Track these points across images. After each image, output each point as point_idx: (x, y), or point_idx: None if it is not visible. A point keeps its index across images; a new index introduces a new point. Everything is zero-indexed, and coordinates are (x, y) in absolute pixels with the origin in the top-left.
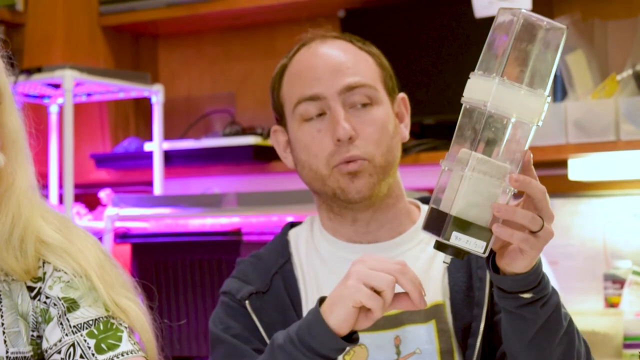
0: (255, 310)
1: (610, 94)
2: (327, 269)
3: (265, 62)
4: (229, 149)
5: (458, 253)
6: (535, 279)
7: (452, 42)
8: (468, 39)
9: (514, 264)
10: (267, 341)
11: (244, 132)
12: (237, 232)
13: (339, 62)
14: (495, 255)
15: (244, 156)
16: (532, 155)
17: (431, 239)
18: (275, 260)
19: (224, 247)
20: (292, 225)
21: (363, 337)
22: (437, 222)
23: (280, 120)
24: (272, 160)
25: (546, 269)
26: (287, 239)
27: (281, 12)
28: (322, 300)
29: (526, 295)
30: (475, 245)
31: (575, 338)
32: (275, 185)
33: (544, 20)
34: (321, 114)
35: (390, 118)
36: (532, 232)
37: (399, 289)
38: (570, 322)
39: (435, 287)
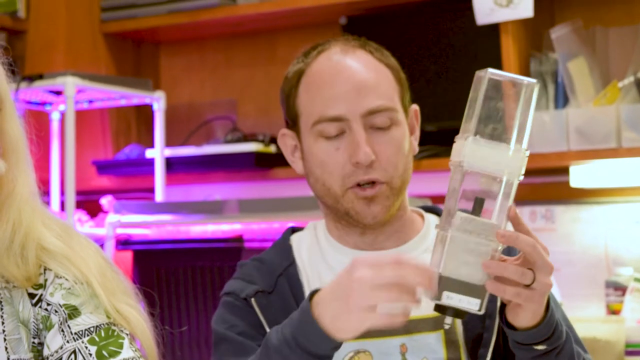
0: (261, 307)
1: (612, 101)
2: (334, 275)
3: (266, 69)
4: (230, 156)
5: (458, 314)
6: (548, 331)
7: (453, 49)
8: (470, 45)
9: (518, 319)
10: None
11: (246, 138)
12: (239, 239)
13: (361, 80)
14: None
15: (245, 163)
16: (516, 210)
17: None
18: (280, 263)
19: (226, 254)
20: (294, 230)
21: (368, 343)
22: None
23: (292, 126)
24: (273, 167)
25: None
26: (290, 243)
27: (282, 19)
28: (312, 293)
29: (540, 347)
30: (468, 304)
31: None
32: (276, 192)
33: (512, 77)
34: (339, 134)
35: (406, 137)
36: (526, 286)
37: None
38: None
39: None
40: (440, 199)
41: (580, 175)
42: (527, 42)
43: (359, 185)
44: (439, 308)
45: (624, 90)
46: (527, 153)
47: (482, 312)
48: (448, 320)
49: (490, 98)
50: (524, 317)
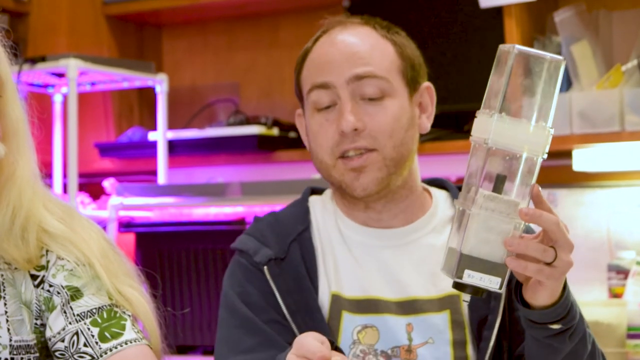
0: (274, 277)
1: (615, 84)
2: (345, 246)
3: (269, 52)
4: (233, 139)
5: (476, 291)
6: (564, 310)
7: (457, 32)
8: (473, 28)
9: (536, 297)
10: (283, 308)
11: (248, 121)
12: (241, 222)
13: (352, 51)
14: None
15: (248, 146)
16: (540, 188)
17: (444, 226)
18: (294, 226)
19: (228, 237)
20: (313, 190)
21: (375, 319)
22: (450, 261)
23: (302, 105)
24: (276, 149)
25: None
26: (308, 205)
27: (285, 1)
28: None
29: (555, 327)
30: (489, 282)
31: (597, 359)
32: (279, 174)
33: (538, 53)
34: (330, 106)
35: (404, 111)
36: (547, 263)
37: None
38: (594, 343)
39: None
40: None
41: (583, 159)
42: (530, 25)
43: (346, 156)
44: (457, 285)
45: (627, 74)
46: (552, 131)
47: (502, 291)
48: (466, 297)
49: (515, 74)
50: (543, 295)
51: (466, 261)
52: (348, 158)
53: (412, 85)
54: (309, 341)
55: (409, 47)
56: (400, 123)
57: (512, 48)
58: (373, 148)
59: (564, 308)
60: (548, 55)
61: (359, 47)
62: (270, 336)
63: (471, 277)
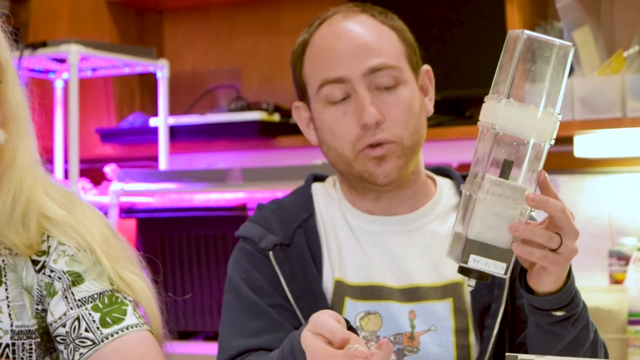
0: (279, 262)
1: (617, 70)
2: (350, 233)
3: (270, 38)
4: (234, 125)
5: (481, 276)
6: (568, 297)
7: (458, 17)
8: (475, 14)
9: (541, 283)
10: (288, 293)
11: (249, 107)
12: (242, 208)
13: (362, 42)
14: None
15: (249, 131)
16: (547, 175)
17: (448, 213)
18: (299, 213)
19: (229, 222)
20: (316, 177)
21: (378, 306)
22: (456, 246)
23: (303, 97)
24: (277, 135)
25: None
26: (311, 193)
27: None
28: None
29: (559, 313)
30: (495, 267)
31: (598, 347)
32: (280, 160)
33: (547, 39)
34: (345, 98)
35: (416, 96)
36: (552, 250)
37: None
38: (596, 332)
39: (454, 265)
40: None
41: (585, 145)
42: (532, 11)
43: (369, 146)
44: (463, 270)
45: (629, 60)
46: (560, 117)
47: (507, 276)
48: (471, 282)
49: (524, 60)
50: (548, 281)
51: (472, 246)
52: (370, 148)
53: (416, 69)
54: (326, 319)
55: (407, 32)
56: (414, 110)
57: (521, 33)
58: (391, 141)
59: (568, 295)
60: (557, 41)
61: (367, 38)
62: (275, 320)
63: (477, 262)
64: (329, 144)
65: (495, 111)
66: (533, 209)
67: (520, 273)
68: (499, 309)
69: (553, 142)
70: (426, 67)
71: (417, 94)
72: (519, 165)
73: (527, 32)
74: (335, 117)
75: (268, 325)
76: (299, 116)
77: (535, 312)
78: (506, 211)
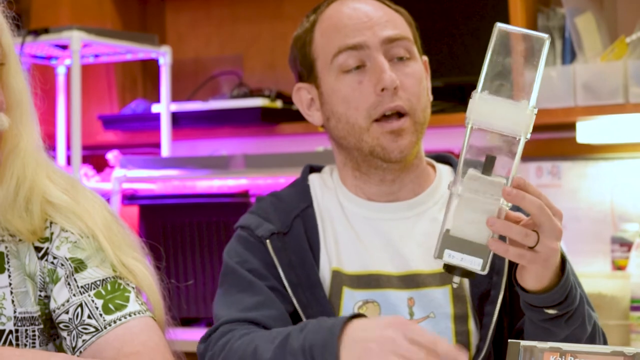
0: (276, 250)
1: (619, 56)
2: (347, 222)
3: (272, 24)
4: (236, 111)
5: (466, 273)
6: (560, 296)
7: (460, 4)
8: (477, 1)
9: (524, 280)
10: (284, 281)
11: (252, 94)
12: (245, 194)
13: (377, 15)
14: None
15: (251, 118)
16: (525, 180)
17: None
18: (297, 204)
19: (232, 209)
20: (312, 168)
21: (376, 294)
22: (437, 242)
23: (307, 76)
24: (279, 122)
25: None
26: (308, 184)
27: None
28: (347, 320)
29: (551, 311)
30: (471, 263)
31: (597, 340)
32: (282, 147)
33: (521, 31)
34: (360, 67)
35: (424, 74)
36: (530, 248)
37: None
38: (595, 325)
39: None
40: None
41: (587, 131)
42: None
43: (384, 116)
44: (447, 268)
45: (631, 46)
46: (535, 111)
47: (485, 272)
48: (456, 279)
49: (499, 53)
50: (529, 279)
51: (447, 241)
52: (386, 120)
53: (420, 53)
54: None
55: (411, 18)
56: (423, 85)
57: (494, 26)
58: (407, 111)
59: (561, 294)
60: (532, 33)
61: (381, 12)
62: (271, 297)
63: (451, 257)
64: (340, 114)
65: (470, 105)
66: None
67: (515, 267)
68: (498, 295)
69: (529, 136)
70: (424, 58)
71: (424, 72)
72: (499, 159)
73: (500, 24)
74: (350, 85)
75: (265, 301)
76: (300, 98)
77: (528, 308)
78: (484, 206)
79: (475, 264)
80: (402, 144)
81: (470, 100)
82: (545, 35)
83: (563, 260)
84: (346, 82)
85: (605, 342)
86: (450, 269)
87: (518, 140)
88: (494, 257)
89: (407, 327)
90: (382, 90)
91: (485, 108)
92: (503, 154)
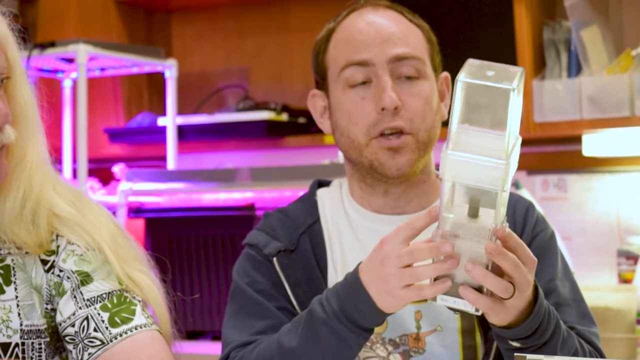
0: (283, 267)
1: (625, 69)
2: (354, 235)
3: (278, 37)
4: (242, 124)
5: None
6: (527, 332)
7: (466, 17)
8: (483, 14)
9: (488, 317)
10: (293, 299)
11: (257, 107)
12: (251, 207)
13: (390, 31)
14: None
15: (257, 131)
16: (507, 230)
17: None
18: (304, 219)
19: (237, 222)
20: (320, 183)
21: None
22: None
23: (322, 84)
24: (285, 135)
25: (559, 244)
26: (316, 199)
27: None
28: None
29: (514, 344)
30: (464, 305)
31: None
32: (288, 160)
33: (486, 84)
34: (366, 82)
35: (435, 94)
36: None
37: None
38: (578, 349)
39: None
40: None
41: (593, 144)
42: (540, 10)
43: (383, 134)
44: (449, 307)
45: (637, 59)
46: (508, 164)
47: (479, 314)
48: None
49: (465, 104)
50: (492, 319)
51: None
52: (385, 137)
53: (437, 70)
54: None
55: (431, 33)
56: (431, 105)
57: (458, 78)
58: (409, 132)
59: (528, 330)
60: (497, 85)
61: (395, 28)
62: (281, 319)
63: (445, 301)
64: (343, 128)
65: (442, 160)
66: (505, 223)
67: None
68: None
69: (507, 188)
70: (445, 74)
71: (436, 93)
72: (484, 204)
73: (464, 78)
74: (354, 101)
75: (274, 324)
76: (314, 105)
77: (495, 335)
78: (472, 250)
79: (468, 307)
80: (399, 162)
81: (442, 156)
82: (510, 87)
83: (537, 292)
84: (350, 97)
85: None
86: (451, 308)
87: (496, 194)
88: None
89: (395, 253)
90: (382, 109)
91: (459, 166)
92: (486, 198)
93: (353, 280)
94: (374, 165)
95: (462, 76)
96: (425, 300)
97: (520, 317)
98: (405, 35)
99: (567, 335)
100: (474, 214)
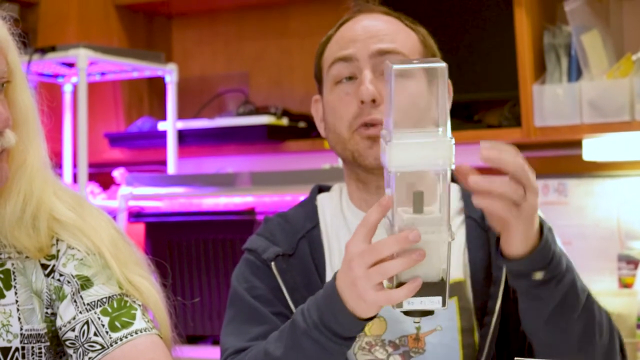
0: (280, 272)
1: (626, 73)
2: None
3: (279, 42)
4: (242, 129)
5: (424, 313)
6: (544, 258)
7: (466, 22)
8: (483, 18)
9: (511, 244)
10: (290, 303)
11: (258, 111)
12: (251, 212)
13: (377, 29)
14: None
15: (257, 136)
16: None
17: (452, 217)
18: (303, 224)
19: (238, 227)
20: (320, 189)
21: (382, 310)
22: None
23: (319, 88)
24: (285, 139)
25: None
26: (316, 204)
27: None
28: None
29: (538, 276)
30: (431, 303)
31: (595, 312)
32: (288, 164)
33: (415, 66)
34: (351, 78)
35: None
36: (515, 204)
37: None
38: (589, 296)
39: (456, 264)
40: None
41: (593, 149)
42: (540, 14)
43: (364, 125)
44: (406, 313)
45: (637, 63)
46: (452, 141)
47: (446, 308)
48: (417, 319)
49: (402, 91)
50: (517, 241)
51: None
52: (364, 127)
53: None
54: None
55: (430, 39)
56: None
57: (389, 66)
58: None
59: (544, 256)
60: (427, 65)
61: (384, 26)
62: (278, 326)
63: (411, 304)
64: (330, 124)
65: (387, 154)
66: (453, 238)
67: (497, 242)
68: (495, 306)
69: (454, 166)
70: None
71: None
72: (432, 194)
73: (394, 65)
74: (339, 96)
75: (270, 330)
76: (316, 109)
77: (515, 278)
78: (429, 245)
79: (435, 303)
80: (377, 151)
81: (387, 149)
82: (440, 64)
83: (541, 227)
84: (336, 93)
85: (609, 320)
86: (407, 313)
87: (446, 172)
88: (494, 269)
89: (357, 253)
90: (362, 102)
91: (404, 154)
92: (429, 186)
93: (330, 290)
94: (355, 157)
95: (392, 65)
96: None
97: (533, 244)
98: (393, 32)
99: (576, 276)
100: (419, 208)
